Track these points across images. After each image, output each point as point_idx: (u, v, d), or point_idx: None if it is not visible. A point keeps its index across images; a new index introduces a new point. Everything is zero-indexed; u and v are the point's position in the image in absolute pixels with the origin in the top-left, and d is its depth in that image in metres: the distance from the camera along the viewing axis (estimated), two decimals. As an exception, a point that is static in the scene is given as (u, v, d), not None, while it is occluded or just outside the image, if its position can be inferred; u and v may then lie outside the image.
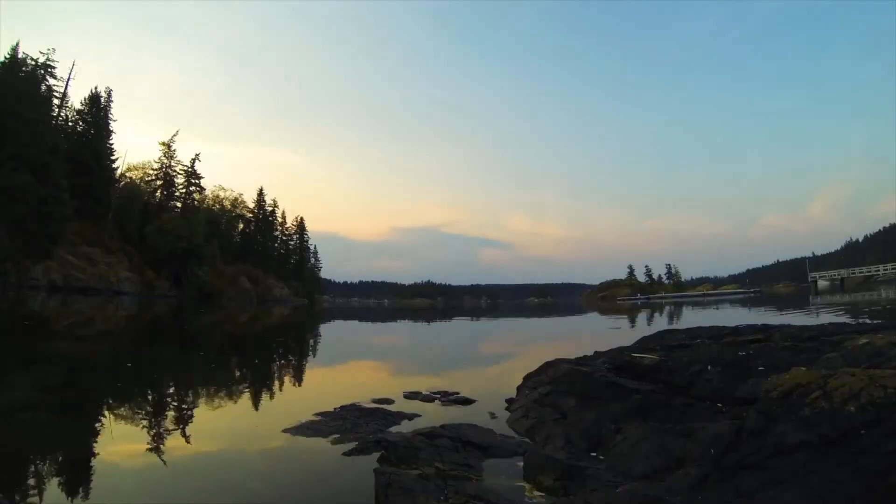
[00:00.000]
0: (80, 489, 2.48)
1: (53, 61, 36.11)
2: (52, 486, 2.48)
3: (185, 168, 50.15)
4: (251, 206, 64.27)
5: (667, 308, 31.72)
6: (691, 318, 19.18)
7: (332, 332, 16.07)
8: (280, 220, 68.87)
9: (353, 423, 3.60)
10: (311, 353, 10.31)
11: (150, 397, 4.82)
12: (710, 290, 78.43)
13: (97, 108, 41.10)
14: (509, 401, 4.71)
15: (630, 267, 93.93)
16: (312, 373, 7.09)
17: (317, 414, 3.93)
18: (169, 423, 3.78)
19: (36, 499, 2.36)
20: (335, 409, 4.10)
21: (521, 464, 2.94)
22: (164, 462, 2.92)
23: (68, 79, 38.29)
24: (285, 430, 3.50)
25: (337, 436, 3.29)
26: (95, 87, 41.79)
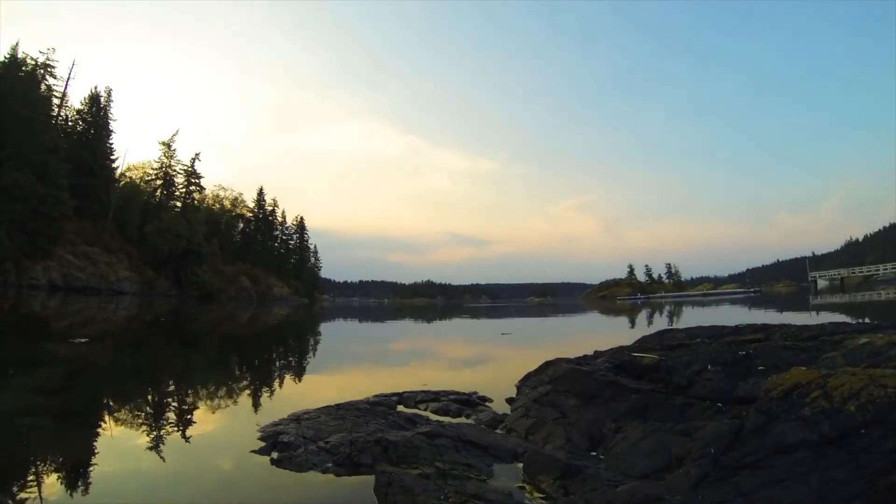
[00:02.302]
0: (80, 494, 2.48)
1: (53, 61, 36.16)
2: (53, 491, 2.48)
3: (185, 168, 50.14)
4: (251, 205, 64.29)
5: (667, 307, 31.71)
6: (691, 317, 19.18)
7: (332, 333, 16.08)
8: (280, 219, 68.89)
9: (353, 423, 3.60)
10: (310, 352, 10.31)
11: (149, 400, 4.82)
12: (710, 289, 78.42)
13: (97, 107, 41.05)
14: (509, 400, 4.72)
15: (630, 266, 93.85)
16: (311, 372, 7.09)
17: (316, 413, 3.93)
18: (169, 426, 3.78)
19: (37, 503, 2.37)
20: (334, 408, 4.10)
21: (522, 463, 2.95)
22: (165, 464, 2.92)
23: (68, 78, 38.32)
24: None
25: (336, 435, 3.29)
26: (95, 87, 41.80)
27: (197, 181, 50.86)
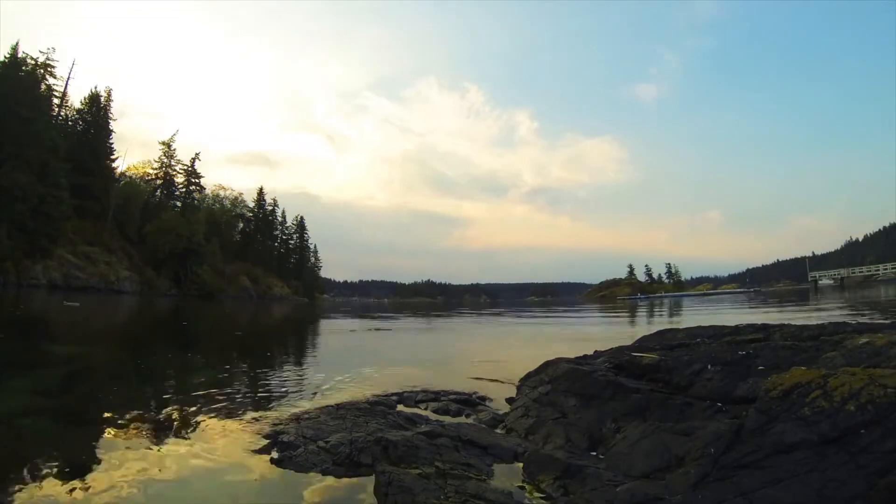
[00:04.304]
0: (80, 495, 2.47)
1: (53, 61, 36.17)
2: (53, 492, 2.47)
3: (185, 167, 50.15)
4: (251, 205, 64.30)
5: (666, 307, 31.72)
6: (691, 317, 19.18)
7: (331, 333, 16.07)
8: (280, 219, 68.90)
9: (353, 422, 3.60)
10: (310, 351, 10.32)
11: (149, 400, 4.81)
12: (709, 289, 78.50)
13: (97, 107, 41.01)
14: (509, 400, 4.72)
15: (630, 266, 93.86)
16: (311, 371, 7.09)
17: (316, 413, 3.93)
18: (168, 426, 3.78)
19: None
20: (334, 407, 4.10)
21: (522, 463, 2.95)
22: (164, 465, 2.92)
23: (68, 78, 38.34)
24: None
25: (336, 435, 3.29)
26: (95, 87, 41.76)
27: (197, 181, 50.87)
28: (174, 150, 49.69)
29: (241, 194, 63.66)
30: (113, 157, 42.57)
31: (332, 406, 4.09)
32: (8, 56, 31.86)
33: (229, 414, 4.17)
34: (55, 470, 2.78)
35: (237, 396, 4.96)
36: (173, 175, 49.67)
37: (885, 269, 48.65)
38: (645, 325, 15.65)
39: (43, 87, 35.09)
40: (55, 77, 36.88)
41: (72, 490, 2.49)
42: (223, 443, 3.36)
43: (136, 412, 4.16)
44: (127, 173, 48.14)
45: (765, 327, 4.72)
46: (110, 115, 42.19)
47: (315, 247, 76.68)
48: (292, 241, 71.82)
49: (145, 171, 49.82)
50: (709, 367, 3.47)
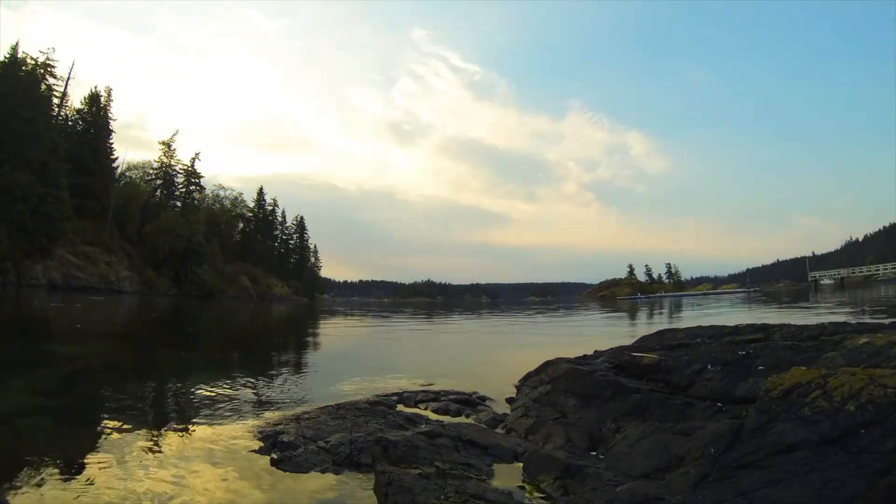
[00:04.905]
0: (80, 495, 2.47)
1: (53, 60, 36.18)
2: (53, 492, 2.47)
3: (185, 167, 50.17)
4: (251, 205, 64.31)
5: (667, 307, 31.73)
6: (691, 317, 19.17)
7: (329, 332, 16.08)
8: (280, 219, 68.91)
9: (353, 422, 3.60)
10: (310, 351, 10.31)
11: (149, 400, 4.81)
12: (709, 289, 78.60)
13: (97, 107, 41.01)
14: (509, 400, 4.72)
15: (630, 266, 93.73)
16: (309, 371, 7.09)
17: (316, 413, 3.93)
18: (169, 426, 3.78)
19: None
20: (334, 407, 4.10)
21: (522, 463, 2.95)
22: (165, 464, 2.92)
23: (68, 78, 38.30)
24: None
25: (336, 435, 3.29)
26: (95, 87, 41.78)
27: (197, 181, 50.86)
28: (174, 149, 49.74)
29: (240, 194, 63.70)
30: (113, 156, 42.60)
31: (332, 406, 4.09)
32: (8, 56, 31.86)
33: (229, 414, 4.17)
34: (55, 470, 2.77)
35: (237, 396, 4.96)
36: (173, 175, 49.70)
37: (885, 269, 48.66)
38: (645, 325, 15.64)
39: (43, 87, 35.08)
40: (55, 77, 36.90)
41: (72, 490, 2.49)
42: (223, 442, 3.36)
43: (135, 412, 4.16)
44: (127, 173, 48.21)
45: (765, 327, 4.72)
46: (110, 115, 42.17)
47: (315, 247, 76.74)
48: (292, 241, 71.83)
49: (145, 171, 49.89)
50: (709, 367, 3.47)
